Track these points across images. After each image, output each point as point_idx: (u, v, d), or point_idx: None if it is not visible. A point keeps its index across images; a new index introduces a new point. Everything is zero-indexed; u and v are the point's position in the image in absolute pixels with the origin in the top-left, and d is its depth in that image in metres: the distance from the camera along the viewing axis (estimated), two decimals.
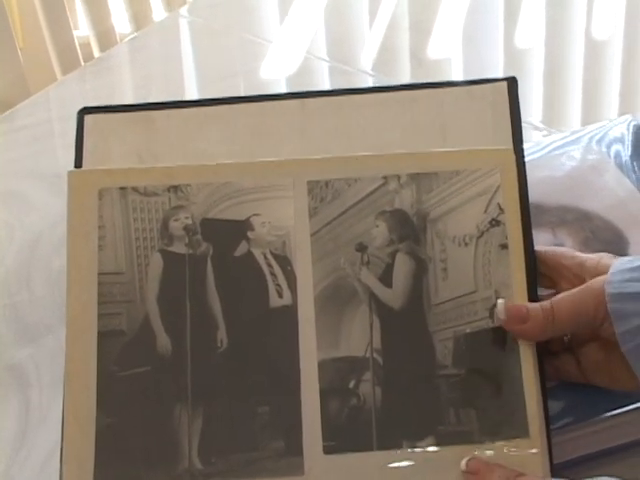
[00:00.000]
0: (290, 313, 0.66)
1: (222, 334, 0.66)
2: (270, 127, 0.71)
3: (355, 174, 0.69)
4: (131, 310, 0.67)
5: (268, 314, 0.67)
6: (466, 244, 0.67)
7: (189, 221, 0.68)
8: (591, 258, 0.67)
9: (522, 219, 0.68)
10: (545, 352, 0.66)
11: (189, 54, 1.27)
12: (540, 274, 0.69)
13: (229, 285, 0.67)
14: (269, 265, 0.68)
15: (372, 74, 1.17)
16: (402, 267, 0.67)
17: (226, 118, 0.72)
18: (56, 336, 0.84)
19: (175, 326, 0.66)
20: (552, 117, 1.09)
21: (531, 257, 0.67)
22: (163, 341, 0.66)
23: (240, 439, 0.64)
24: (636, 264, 0.62)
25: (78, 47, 1.68)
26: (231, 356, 0.66)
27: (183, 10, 1.35)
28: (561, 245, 0.78)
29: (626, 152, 0.86)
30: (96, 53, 1.72)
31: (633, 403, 0.68)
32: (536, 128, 1.05)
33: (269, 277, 0.67)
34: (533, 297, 0.66)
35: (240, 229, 0.68)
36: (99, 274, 0.67)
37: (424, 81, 0.74)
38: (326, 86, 1.18)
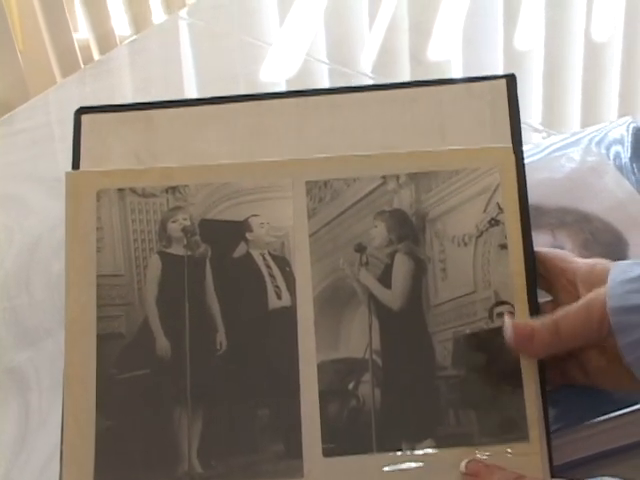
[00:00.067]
0: (289, 314, 0.66)
1: (221, 336, 0.66)
2: (268, 126, 0.71)
3: (354, 174, 0.69)
4: (130, 312, 0.67)
5: (267, 316, 0.67)
6: (465, 244, 0.67)
7: (187, 222, 0.68)
8: (586, 264, 0.66)
9: (521, 218, 0.67)
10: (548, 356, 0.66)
11: (189, 57, 1.27)
12: (538, 275, 0.68)
13: (228, 287, 0.67)
14: (268, 266, 0.67)
15: (372, 76, 1.17)
16: (401, 267, 0.67)
17: (224, 117, 0.71)
18: (55, 339, 0.84)
19: (174, 328, 0.66)
20: (551, 119, 1.09)
21: (530, 257, 0.67)
22: (162, 343, 0.66)
23: (240, 442, 0.64)
24: (634, 274, 0.62)
25: (78, 50, 1.69)
26: (230, 358, 0.66)
27: (183, 12, 1.34)
28: (561, 247, 0.78)
29: (625, 154, 0.86)
30: (96, 56, 1.72)
31: (633, 405, 0.68)
32: (535, 130, 1.05)
33: (268, 278, 0.67)
34: (533, 297, 0.66)
35: (239, 230, 0.68)
36: (98, 276, 0.67)
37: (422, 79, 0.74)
38: None
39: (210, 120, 0.71)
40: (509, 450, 0.63)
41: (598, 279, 0.64)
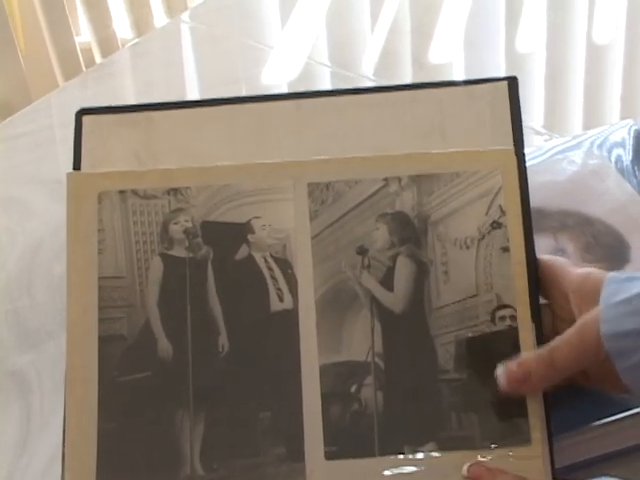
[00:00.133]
0: (291, 317, 0.66)
1: (223, 338, 0.66)
2: (269, 128, 0.71)
3: (356, 176, 0.69)
4: (132, 314, 0.67)
5: (269, 318, 0.66)
6: (467, 247, 0.67)
7: (189, 224, 0.68)
8: (579, 275, 0.66)
9: (524, 221, 0.67)
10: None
11: (191, 60, 1.27)
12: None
13: (230, 289, 0.67)
14: (270, 269, 0.67)
15: (373, 79, 1.17)
16: (403, 270, 0.67)
17: (225, 119, 0.71)
18: (57, 342, 0.84)
19: (176, 330, 0.66)
20: (553, 121, 1.09)
21: (532, 260, 0.67)
22: (164, 346, 0.66)
23: (242, 444, 0.64)
24: (627, 294, 0.61)
25: (80, 53, 1.69)
26: (232, 361, 0.66)
27: (185, 16, 1.35)
28: (562, 250, 0.78)
29: (627, 156, 0.86)
30: (98, 59, 1.72)
31: (634, 408, 0.67)
32: (537, 133, 1.05)
33: (270, 281, 0.67)
34: (534, 300, 0.66)
35: (240, 232, 0.68)
36: (99, 278, 0.67)
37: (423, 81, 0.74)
38: None
39: (211, 122, 0.71)
40: (511, 453, 0.63)
41: (590, 292, 0.63)
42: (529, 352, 0.64)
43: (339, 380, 0.65)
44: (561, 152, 0.88)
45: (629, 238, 0.79)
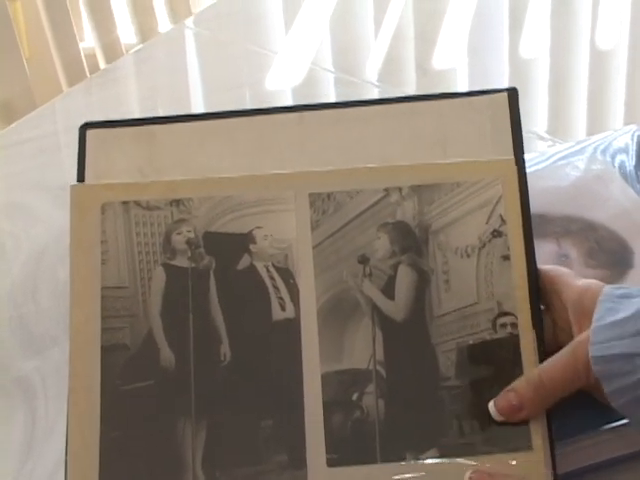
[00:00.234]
0: (293, 326, 0.67)
1: (225, 348, 0.66)
2: (271, 140, 0.71)
3: (357, 186, 0.69)
4: (134, 324, 0.67)
5: (271, 327, 0.67)
6: (468, 255, 0.67)
7: (191, 235, 0.68)
8: (578, 288, 0.66)
9: (524, 230, 0.67)
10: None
11: (195, 65, 1.27)
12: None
13: (232, 299, 0.67)
14: (272, 278, 0.68)
15: (377, 85, 1.17)
16: (404, 279, 0.67)
17: (227, 132, 0.72)
18: (62, 348, 0.84)
19: (178, 340, 0.66)
20: (557, 127, 1.09)
21: (533, 268, 0.67)
22: (166, 355, 0.66)
23: (244, 452, 0.64)
24: (619, 316, 0.61)
25: (84, 59, 1.69)
26: (234, 370, 0.66)
27: (189, 21, 1.35)
28: (566, 255, 0.78)
29: (630, 162, 0.86)
30: (102, 65, 1.72)
31: None
32: (541, 138, 1.05)
33: (272, 290, 0.67)
34: (535, 308, 0.66)
35: (242, 242, 0.68)
36: (102, 288, 0.67)
37: (428, 92, 0.74)
38: (331, 97, 1.18)
39: (214, 135, 0.72)
40: (513, 459, 0.63)
41: (587, 308, 0.64)
42: (529, 362, 0.65)
43: (341, 388, 0.66)
44: (564, 157, 0.88)
45: (633, 244, 0.79)
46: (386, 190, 0.69)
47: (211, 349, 0.66)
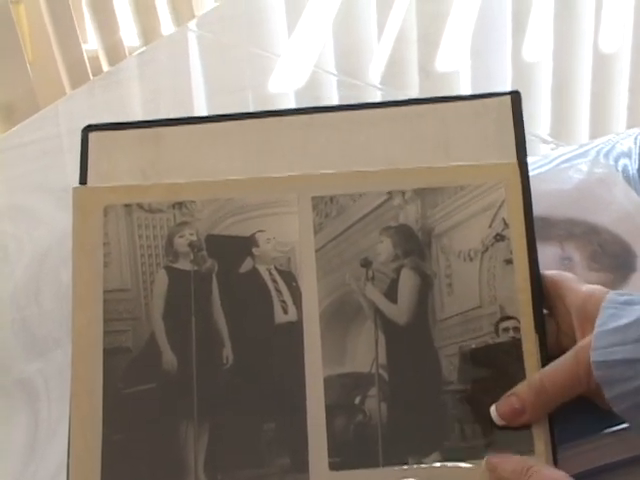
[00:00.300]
0: (295, 329, 0.67)
1: (227, 351, 0.66)
2: (274, 143, 0.71)
3: (359, 189, 0.69)
4: (137, 327, 0.67)
5: (273, 330, 0.67)
6: (471, 259, 0.67)
7: (194, 237, 0.69)
8: (582, 294, 0.66)
9: (527, 234, 0.68)
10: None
11: (198, 68, 1.27)
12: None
13: (234, 302, 0.67)
14: (274, 281, 0.68)
15: (380, 87, 1.17)
16: (407, 282, 0.67)
17: (230, 135, 0.72)
18: (65, 350, 0.83)
19: (181, 343, 0.66)
20: (560, 130, 1.09)
21: (536, 272, 0.67)
22: (169, 358, 0.66)
23: (246, 455, 0.64)
24: (621, 322, 0.61)
25: (87, 61, 1.69)
26: (237, 373, 0.66)
27: (192, 24, 1.35)
28: (569, 259, 0.78)
29: (634, 166, 0.86)
30: (105, 67, 1.72)
31: None
32: (544, 141, 1.05)
33: (274, 293, 0.67)
34: (538, 312, 0.66)
35: (245, 245, 0.68)
36: (104, 291, 0.67)
37: (431, 95, 0.74)
38: (334, 100, 1.18)
39: (215, 137, 0.72)
40: None
41: (590, 313, 0.64)
42: (531, 366, 0.65)
43: (343, 391, 0.66)
44: (567, 161, 0.88)
45: (636, 247, 0.79)
46: (389, 193, 0.69)
47: (213, 352, 0.66)
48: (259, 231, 0.68)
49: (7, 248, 0.99)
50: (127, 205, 0.69)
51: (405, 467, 0.64)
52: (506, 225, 0.68)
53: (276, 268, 0.68)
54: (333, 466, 0.64)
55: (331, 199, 0.69)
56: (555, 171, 0.87)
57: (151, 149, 0.71)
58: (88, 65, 1.69)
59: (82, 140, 0.72)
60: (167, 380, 0.66)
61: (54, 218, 1.01)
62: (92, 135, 0.72)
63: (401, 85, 1.18)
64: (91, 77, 1.64)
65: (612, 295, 0.64)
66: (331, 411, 0.65)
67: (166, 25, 1.85)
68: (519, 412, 0.63)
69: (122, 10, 1.78)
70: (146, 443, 0.65)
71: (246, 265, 0.68)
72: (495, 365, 0.65)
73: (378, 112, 0.72)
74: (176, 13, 1.85)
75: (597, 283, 0.68)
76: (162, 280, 0.68)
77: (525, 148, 0.70)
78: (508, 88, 0.73)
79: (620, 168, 0.86)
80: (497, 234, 0.68)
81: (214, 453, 0.64)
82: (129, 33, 1.80)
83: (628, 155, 0.87)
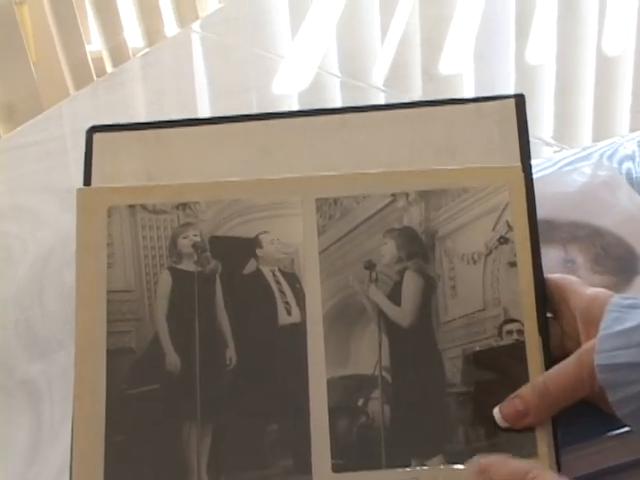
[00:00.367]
0: (299, 331, 0.67)
1: (231, 352, 0.66)
2: (279, 145, 0.71)
3: (363, 191, 0.69)
4: (140, 328, 0.67)
5: (277, 332, 0.67)
6: (475, 262, 0.67)
7: (198, 238, 0.69)
8: (587, 296, 0.66)
9: (531, 237, 0.68)
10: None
11: (201, 69, 1.27)
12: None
13: (238, 303, 0.67)
14: (278, 283, 0.68)
15: (384, 90, 1.17)
16: (411, 285, 0.67)
17: (234, 137, 0.72)
18: (68, 351, 0.83)
19: (184, 344, 0.66)
20: (563, 133, 1.09)
21: (540, 275, 0.67)
22: (172, 359, 0.66)
23: (249, 457, 0.64)
24: (626, 325, 0.61)
25: (91, 62, 1.69)
26: (240, 374, 0.66)
27: (195, 25, 1.35)
28: (572, 261, 0.78)
29: (637, 169, 0.86)
30: (109, 68, 1.73)
31: None
32: (547, 144, 1.05)
33: (278, 295, 0.67)
34: (542, 315, 0.66)
35: (249, 247, 0.68)
36: (108, 292, 0.67)
37: (434, 98, 0.74)
38: (338, 101, 1.18)
39: (220, 139, 0.72)
40: None
41: (595, 317, 0.64)
42: (535, 369, 0.65)
43: (346, 393, 0.66)
44: (571, 163, 0.88)
45: (639, 250, 0.79)
46: (393, 195, 0.69)
47: (217, 353, 0.66)
48: (263, 232, 0.68)
49: (11, 248, 0.99)
50: (131, 206, 0.69)
51: (408, 469, 0.64)
52: (510, 228, 0.68)
53: (280, 270, 0.68)
54: (336, 468, 0.64)
55: (335, 201, 0.69)
56: (558, 174, 0.87)
57: (155, 150, 0.71)
58: (92, 66, 1.69)
59: (86, 141, 0.72)
60: (170, 381, 0.66)
61: (58, 219, 1.01)
62: (96, 136, 0.72)
63: (404, 88, 1.18)
64: (95, 78, 1.64)
65: (616, 298, 0.64)
66: (334, 413, 0.65)
67: (170, 26, 1.86)
68: (523, 414, 0.63)
69: (126, 11, 1.78)
70: (149, 444, 0.65)
71: (250, 266, 0.68)
72: (499, 368, 0.65)
73: (382, 114, 0.72)
74: (180, 14, 1.85)
75: (600, 286, 0.68)
76: (166, 281, 0.68)
77: (529, 151, 0.70)
78: (511, 91, 0.73)
79: (624, 171, 0.86)
80: (501, 237, 0.68)
81: (217, 454, 0.64)
82: (133, 34, 1.80)
83: (632, 158, 0.87)
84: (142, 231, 0.68)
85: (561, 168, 0.88)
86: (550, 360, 0.65)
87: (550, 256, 0.77)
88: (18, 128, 1.18)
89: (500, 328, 0.66)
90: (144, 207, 0.69)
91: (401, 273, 0.68)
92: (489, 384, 0.65)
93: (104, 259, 0.68)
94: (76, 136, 1.12)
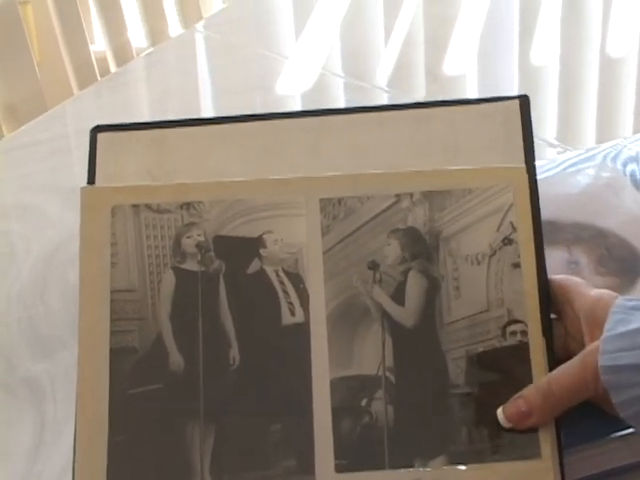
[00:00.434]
0: (302, 331, 0.67)
1: (234, 352, 0.66)
2: (282, 145, 0.71)
3: (367, 192, 0.69)
4: (143, 327, 0.67)
5: (280, 332, 0.67)
6: (478, 262, 0.67)
7: (201, 238, 0.69)
8: (591, 298, 0.66)
9: (535, 238, 0.67)
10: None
11: (205, 69, 1.27)
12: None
13: (241, 303, 0.67)
14: (281, 283, 0.68)
15: (387, 90, 1.17)
16: (414, 285, 0.67)
17: (238, 136, 0.72)
18: (71, 350, 0.83)
19: (187, 343, 0.66)
20: (567, 134, 1.09)
21: (543, 276, 0.67)
22: (175, 359, 0.66)
23: (252, 457, 0.64)
24: (630, 327, 0.61)
25: (95, 62, 1.69)
26: (243, 374, 0.66)
27: (199, 25, 1.35)
28: (576, 263, 0.78)
29: None
30: (112, 68, 1.72)
31: None
32: (551, 145, 1.05)
33: (281, 295, 0.67)
34: (546, 316, 0.66)
35: (252, 246, 0.68)
36: (111, 291, 0.67)
37: (439, 98, 0.74)
38: (341, 102, 1.18)
39: (223, 139, 0.72)
40: (521, 467, 0.63)
41: (599, 318, 0.64)
42: (538, 370, 0.65)
43: (350, 394, 0.65)
44: (574, 165, 0.88)
45: None
46: (397, 196, 0.69)
47: (220, 353, 0.66)
48: (267, 232, 0.68)
49: (14, 247, 1.00)
50: (135, 205, 0.69)
51: (411, 470, 0.64)
52: (514, 229, 0.68)
53: (283, 270, 0.68)
54: (339, 468, 0.64)
55: (339, 201, 0.69)
56: (562, 175, 0.87)
57: (159, 150, 0.71)
58: (96, 66, 1.69)
59: (90, 141, 0.72)
60: (173, 381, 0.66)
61: (61, 218, 1.01)
62: (100, 136, 0.72)
63: (408, 88, 1.18)
64: (99, 78, 1.64)
65: (621, 300, 0.64)
66: (337, 413, 0.65)
67: (174, 26, 1.85)
68: (526, 415, 0.63)
69: (130, 11, 1.78)
70: (152, 444, 0.65)
71: (254, 266, 0.68)
72: (502, 368, 0.65)
73: (386, 115, 0.72)
74: (184, 14, 1.85)
75: (604, 287, 0.68)
76: (169, 280, 0.68)
77: (533, 152, 0.70)
78: (515, 92, 0.73)
79: (627, 172, 0.86)
80: (505, 238, 0.67)
81: (220, 454, 0.64)
82: (137, 34, 1.80)
83: (635, 160, 0.87)
84: (146, 230, 0.68)
85: (565, 169, 0.88)
86: (554, 361, 0.65)
87: (554, 257, 0.77)
88: (22, 127, 1.18)
89: (504, 329, 0.66)
90: (148, 206, 0.69)
91: (405, 273, 0.68)
92: (493, 385, 0.65)
93: (108, 258, 0.68)
94: (80, 135, 1.12)
